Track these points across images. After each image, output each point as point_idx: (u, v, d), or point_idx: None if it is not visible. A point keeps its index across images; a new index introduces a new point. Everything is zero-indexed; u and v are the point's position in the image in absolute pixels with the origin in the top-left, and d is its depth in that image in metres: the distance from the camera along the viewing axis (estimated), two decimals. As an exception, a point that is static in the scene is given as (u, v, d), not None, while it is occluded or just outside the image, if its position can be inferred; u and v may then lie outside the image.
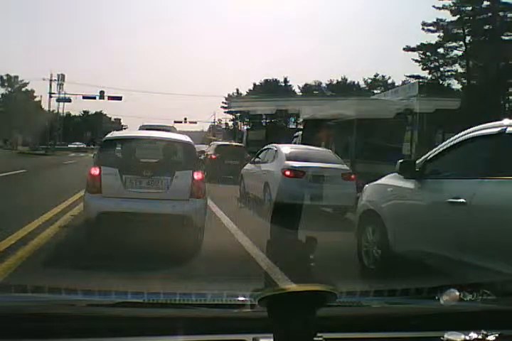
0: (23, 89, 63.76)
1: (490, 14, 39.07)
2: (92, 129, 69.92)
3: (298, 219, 1.75)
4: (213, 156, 19.08)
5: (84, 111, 77.98)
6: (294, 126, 48.14)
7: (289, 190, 8.74)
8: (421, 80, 40.16)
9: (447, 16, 41.45)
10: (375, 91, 56.14)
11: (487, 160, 4.36)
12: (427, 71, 45.27)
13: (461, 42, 41.85)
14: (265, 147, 12.12)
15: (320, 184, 9.23)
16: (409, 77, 45.69)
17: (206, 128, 77.91)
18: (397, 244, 5.00)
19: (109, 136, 7.17)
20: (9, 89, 63.93)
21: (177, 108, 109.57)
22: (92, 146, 45.61)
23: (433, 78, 44.49)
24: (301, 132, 19.83)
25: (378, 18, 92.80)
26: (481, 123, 4.62)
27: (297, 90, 67.74)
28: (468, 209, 4.10)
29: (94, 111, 79.17)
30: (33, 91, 63.09)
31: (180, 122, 53.83)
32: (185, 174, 6.42)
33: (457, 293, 1.71)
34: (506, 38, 38.84)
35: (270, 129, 36.18)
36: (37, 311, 1.52)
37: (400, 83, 48.60)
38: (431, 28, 42.41)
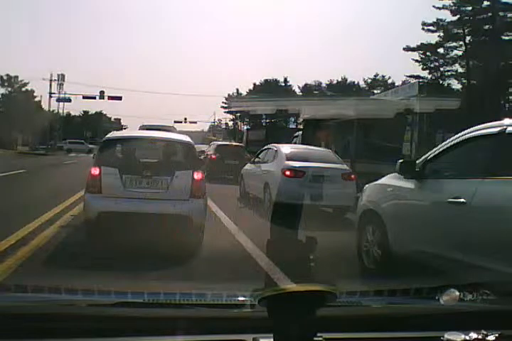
0: (23, 89, 63.64)
1: (490, 14, 39.04)
2: (92, 129, 69.84)
3: (298, 219, 1.75)
4: (213, 156, 19.06)
5: (84, 111, 77.83)
6: (294, 126, 48.06)
7: (289, 190, 8.75)
8: (421, 80, 40.14)
9: (447, 16, 41.43)
10: (375, 92, 56.16)
11: (487, 160, 4.36)
12: (427, 71, 45.24)
13: (461, 42, 41.80)
14: (265, 147, 12.12)
15: (320, 184, 9.22)
16: (409, 77, 45.67)
17: (206, 128, 78.03)
18: (397, 244, 5.00)
19: (109, 136, 7.16)
20: (9, 89, 63.82)
21: (177, 108, 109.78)
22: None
23: (433, 78, 44.47)
24: (301, 132, 19.83)
25: (378, 18, 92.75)
26: (481, 123, 4.62)
27: (297, 90, 67.76)
28: (468, 209, 4.10)
29: (94, 111, 79.17)
30: (33, 91, 62.96)
31: (180, 122, 53.92)
32: (185, 174, 6.42)
33: (457, 293, 1.71)
34: (506, 38, 38.80)
35: (270, 129, 36.18)
36: (37, 311, 1.52)
37: (400, 83, 48.60)
38: (431, 28, 42.37)
